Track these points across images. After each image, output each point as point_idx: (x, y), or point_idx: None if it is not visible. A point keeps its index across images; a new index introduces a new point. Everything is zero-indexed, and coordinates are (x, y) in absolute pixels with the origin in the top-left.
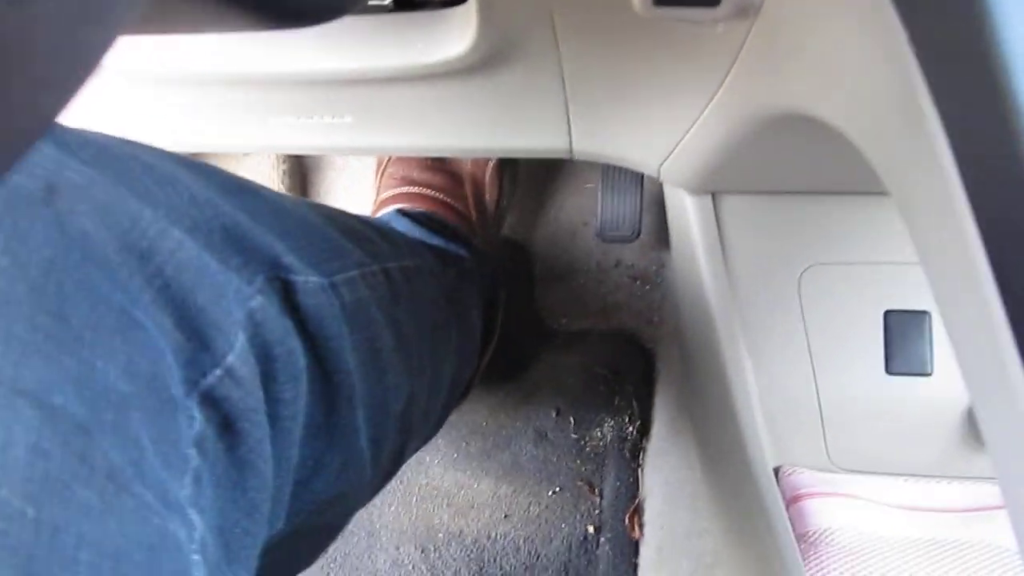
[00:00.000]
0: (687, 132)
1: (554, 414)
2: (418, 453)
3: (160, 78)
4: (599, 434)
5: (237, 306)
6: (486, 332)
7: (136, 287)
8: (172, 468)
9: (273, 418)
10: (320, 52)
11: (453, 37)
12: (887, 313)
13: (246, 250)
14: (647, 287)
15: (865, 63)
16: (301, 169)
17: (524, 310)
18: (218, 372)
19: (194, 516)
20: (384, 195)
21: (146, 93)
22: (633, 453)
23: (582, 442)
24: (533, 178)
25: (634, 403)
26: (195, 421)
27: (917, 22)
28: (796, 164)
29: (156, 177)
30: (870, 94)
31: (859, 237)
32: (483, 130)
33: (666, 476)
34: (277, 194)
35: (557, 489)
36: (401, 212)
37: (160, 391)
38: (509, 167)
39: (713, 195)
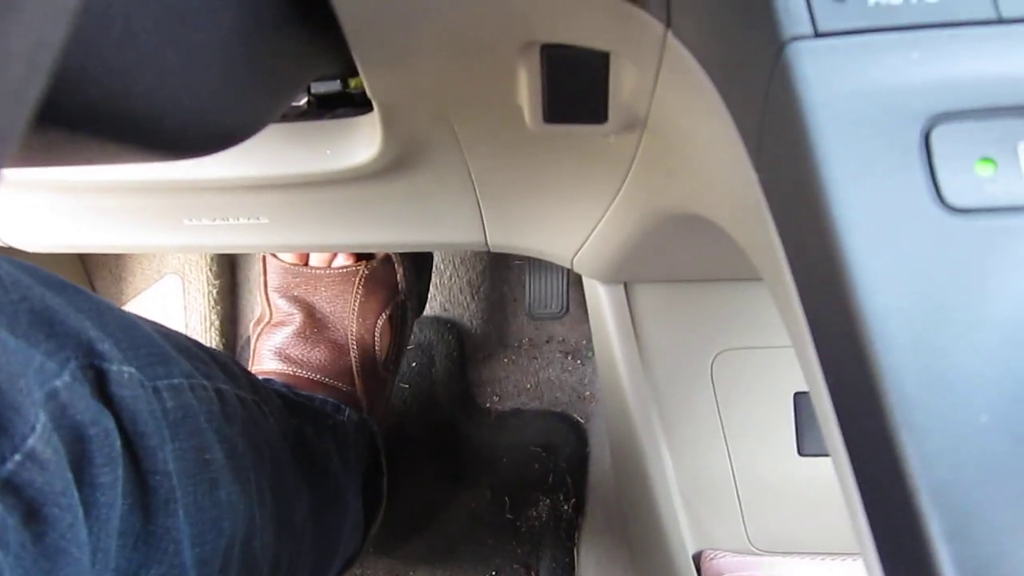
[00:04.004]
0: (594, 228)
1: (488, 494)
2: None
3: (75, 186)
4: (534, 514)
5: (37, 385)
6: (373, 500)
7: None
8: None
9: (89, 504)
10: (233, 160)
11: (361, 145)
12: (797, 395)
13: (56, 335)
14: (578, 362)
15: (730, 183)
16: (229, 254)
17: (455, 389)
18: (17, 457)
19: None
20: (257, 369)
21: (60, 198)
22: (568, 532)
23: (517, 523)
24: (462, 256)
25: (568, 480)
26: None
27: (764, 169)
28: (700, 255)
29: None
30: (738, 206)
31: (767, 322)
32: (398, 228)
33: (599, 556)
34: (106, 300)
35: (494, 573)
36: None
37: None
38: (405, 313)
39: (626, 284)
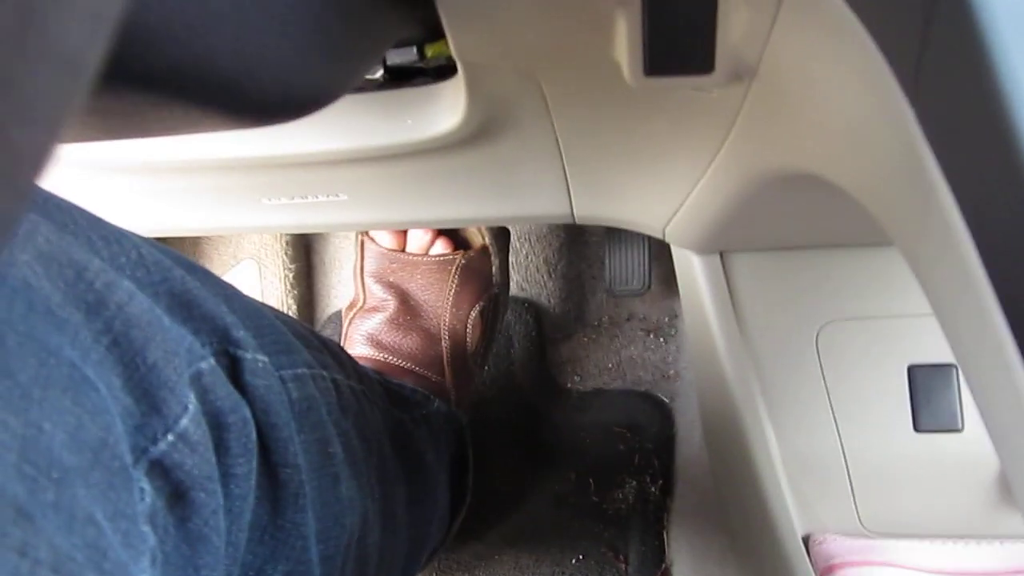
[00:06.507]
0: (689, 194)
1: (572, 477)
2: None
3: (153, 167)
4: (620, 496)
5: (188, 366)
6: (458, 494)
7: (85, 341)
8: (132, 548)
9: (224, 495)
10: (312, 134)
11: (444, 112)
12: (911, 368)
13: (195, 317)
14: (661, 340)
15: (867, 130)
16: (304, 237)
17: (535, 369)
18: (170, 438)
19: None
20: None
21: (140, 180)
22: (657, 515)
23: (603, 505)
24: (539, 233)
25: (655, 461)
26: (145, 494)
27: (922, 100)
28: (805, 219)
29: (103, 232)
30: (874, 158)
31: (877, 290)
32: (481, 200)
33: (692, 539)
34: (231, 284)
35: (580, 556)
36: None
37: (110, 461)
38: (497, 307)
39: (721, 254)
